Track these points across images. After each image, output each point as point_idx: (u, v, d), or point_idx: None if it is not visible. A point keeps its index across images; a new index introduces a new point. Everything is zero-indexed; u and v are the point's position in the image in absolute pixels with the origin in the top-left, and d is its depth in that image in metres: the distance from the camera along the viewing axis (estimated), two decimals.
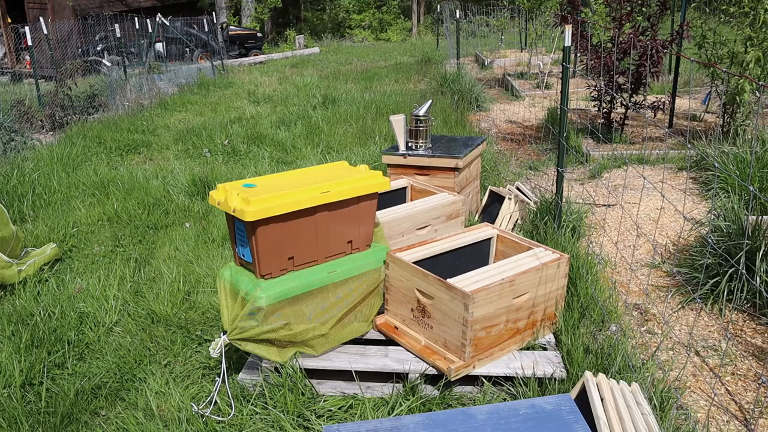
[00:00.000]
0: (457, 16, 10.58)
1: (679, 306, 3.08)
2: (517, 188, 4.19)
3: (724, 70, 2.50)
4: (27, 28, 8.76)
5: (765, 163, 4.20)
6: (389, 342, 2.60)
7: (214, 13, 17.78)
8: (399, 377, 2.43)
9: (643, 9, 6.01)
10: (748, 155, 4.29)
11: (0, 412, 2.40)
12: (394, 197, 3.53)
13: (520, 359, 2.43)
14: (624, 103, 6.00)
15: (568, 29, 3.19)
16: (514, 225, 3.90)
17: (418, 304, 2.47)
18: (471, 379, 2.41)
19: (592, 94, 6.37)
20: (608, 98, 6.10)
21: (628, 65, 5.91)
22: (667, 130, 4.05)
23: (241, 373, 2.48)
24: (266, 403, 2.32)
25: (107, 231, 4.34)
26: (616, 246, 3.75)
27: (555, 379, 2.32)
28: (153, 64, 12.43)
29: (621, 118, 6.16)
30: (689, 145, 3.72)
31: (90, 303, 3.21)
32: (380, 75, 12.04)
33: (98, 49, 14.03)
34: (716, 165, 2.63)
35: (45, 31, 9.34)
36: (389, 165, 3.90)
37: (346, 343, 2.57)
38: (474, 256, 2.85)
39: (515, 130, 7.12)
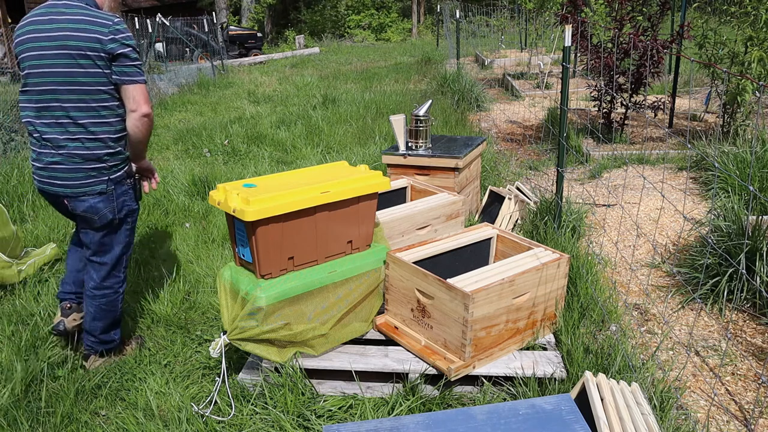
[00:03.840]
0: (457, 16, 10.59)
1: (679, 306, 3.08)
2: (517, 188, 4.19)
3: (725, 70, 2.50)
4: None
5: (765, 163, 4.20)
6: (389, 342, 2.60)
7: (214, 13, 17.79)
8: (399, 377, 2.43)
9: (644, 9, 6.01)
10: (748, 155, 4.29)
11: (0, 412, 2.40)
12: (394, 197, 3.53)
13: (520, 359, 2.43)
14: (624, 103, 6.00)
15: (569, 29, 3.19)
16: (514, 225, 3.90)
17: (418, 304, 2.47)
18: (471, 379, 2.41)
19: (592, 94, 6.37)
20: (608, 98, 6.10)
21: (628, 65, 5.92)
22: (667, 130, 4.05)
23: (241, 373, 2.48)
24: (266, 403, 2.32)
25: None
26: (616, 246, 3.75)
27: (555, 379, 2.32)
28: (153, 64, 12.43)
29: (621, 118, 6.16)
30: (689, 145, 3.72)
31: None
32: (380, 75, 12.04)
33: None
34: (716, 165, 2.63)
35: None
36: (389, 165, 3.90)
37: (346, 343, 2.57)
38: (474, 256, 2.85)
39: (515, 130, 7.12)
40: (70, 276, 2.79)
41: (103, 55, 2.34)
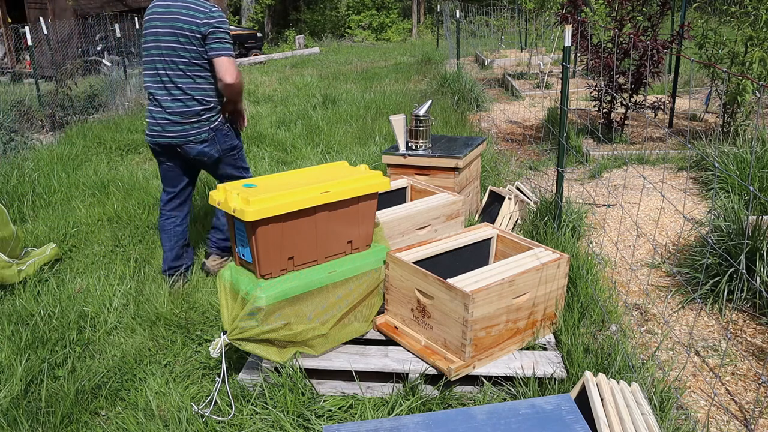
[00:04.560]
0: (457, 16, 10.59)
1: (679, 306, 3.08)
2: (517, 188, 4.19)
3: (725, 70, 2.50)
4: (27, 28, 8.75)
5: (765, 163, 4.20)
6: (389, 342, 2.60)
7: None
8: (399, 377, 2.43)
9: (644, 9, 6.01)
10: (748, 155, 4.29)
11: (0, 412, 2.40)
12: (394, 197, 3.53)
13: (520, 359, 2.43)
14: (624, 103, 6.00)
15: (569, 29, 3.19)
16: (514, 225, 3.90)
17: (418, 304, 2.47)
18: (471, 379, 2.41)
19: (592, 94, 6.37)
20: (608, 98, 6.10)
21: (628, 65, 5.92)
22: (667, 130, 4.06)
23: (241, 373, 2.48)
24: (266, 403, 2.32)
25: (107, 231, 4.34)
26: (616, 246, 3.75)
27: (555, 379, 2.32)
28: None
29: (621, 118, 6.16)
30: (689, 145, 3.73)
31: (90, 303, 3.21)
32: (380, 75, 12.04)
33: (98, 49, 14.03)
34: (716, 165, 2.63)
35: (45, 31, 9.35)
36: (389, 165, 3.90)
37: (346, 343, 2.57)
38: (474, 256, 2.85)
39: (515, 130, 7.12)
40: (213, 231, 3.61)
41: (197, 35, 2.98)
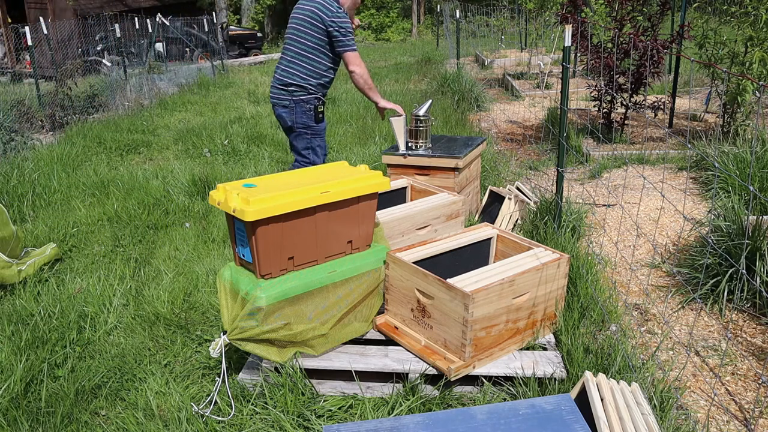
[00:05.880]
0: (457, 16, 10.58)
1: (679, 306, 3.08)
2: (517, 188, 4.19)
3: (725, 70, 2.50)
4: (27, 28, 8.75)
5: (765, 163, 4.20)
6: (389, 342, 2.60)
7: (214, 13, 17.77)
8: (399, 377, 2.43)
9: (644, 9, 6.01)
10: (748, 155, 4.29)
11: (0, 412, 2.40)
12: (394, 197, 3.53)
13: (520, 359, 2.43)
14: (624, 103, 5.99)
15: (569, 29, 3.19)
16: (514, 225, 3.90)
17: (418, 304, 2.47)
18: (471, 379, 2.41)
19: (592, 94, 6.37)
20: (608, 98, 6.09)
21: (628, 65, 5.91)
22: (667, 130, 4.06)
23: (241, 373, 2.48)
24: (266, 403, 2.32)
25: (107, 231, 4.34)
26: (616, 246, 3.75)
27: (555, 379, 2.32)
28: (153, 64, 12.43)
29: (621, 118, 6.16)
30: (689, 145, 3.73)
31: (90, 303, 3.21)
32: (380, 75, 12.04)
33: (98, 49, 14.02)
34: (716, 165, 2.63)
35: (45, 31, 9.35)
36: (389, 165, 3.90)
37: (346, 343, 2.57)
38: (474, 256, 2.85)
39: (515, 130, 7.12)
40: None
41: (321, 26, 3.59)
